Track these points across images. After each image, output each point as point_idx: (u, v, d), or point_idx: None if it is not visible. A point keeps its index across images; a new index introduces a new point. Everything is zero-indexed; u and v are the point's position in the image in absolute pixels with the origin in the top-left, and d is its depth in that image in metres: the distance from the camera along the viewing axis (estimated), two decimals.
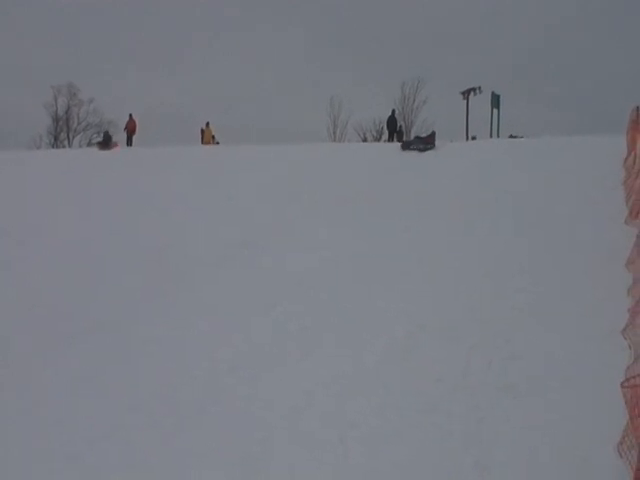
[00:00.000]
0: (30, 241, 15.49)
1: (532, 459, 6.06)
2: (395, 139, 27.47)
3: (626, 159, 14.77)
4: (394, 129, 27.88)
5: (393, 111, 28.97)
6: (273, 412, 7.51)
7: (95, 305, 11.64)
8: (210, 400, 7.90)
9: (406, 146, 21.54)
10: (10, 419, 8.01)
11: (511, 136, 27.34)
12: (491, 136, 28.43)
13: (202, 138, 28.71)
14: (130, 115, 29.12)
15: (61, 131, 47.54)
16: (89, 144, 26.77)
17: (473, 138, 29.01)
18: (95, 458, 6.92)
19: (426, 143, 21.14)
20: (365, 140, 42.26)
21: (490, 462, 6.07)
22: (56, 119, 47.14)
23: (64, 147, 42.51)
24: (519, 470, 5.97)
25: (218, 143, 28.46)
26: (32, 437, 7.54)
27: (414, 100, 44.88)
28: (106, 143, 27.27)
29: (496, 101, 29.78)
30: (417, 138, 22.76)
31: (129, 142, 28.67)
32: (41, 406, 8.25)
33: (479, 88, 32.19)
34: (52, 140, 46.27)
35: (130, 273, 12.96)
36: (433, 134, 22.09)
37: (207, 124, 28.98)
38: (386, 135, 30.11)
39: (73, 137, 47.29)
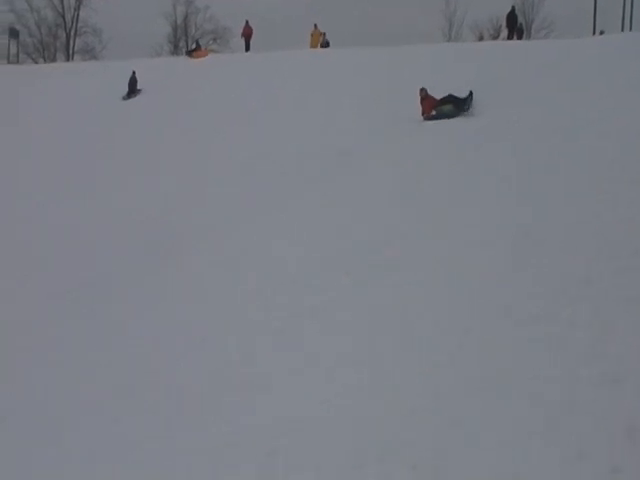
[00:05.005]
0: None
1: None
2: (515, 37, 26.34)
3: None
4: (514, 26, 26.73)
5: (513, 7, 27.67)
6: (363, 314, 7.97)
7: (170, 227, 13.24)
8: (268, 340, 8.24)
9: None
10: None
11: None
12: (622, 30, 26.63)
13: (311, 42, 28.51)
14: (246, 21, 29.57)
15: (180, 39, 48.66)
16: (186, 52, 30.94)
17: (601, 33, 27.31)
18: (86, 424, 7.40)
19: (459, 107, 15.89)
20: (482, 39, 40.43)
21: (619, 375, 5.46)
22: (175, 27, 48.22)
23: (182, 54, 43.59)
24: None
25: (329, 44, 28.08)
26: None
27: None
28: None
29: None
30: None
31: (247, 48, 29.23)
32: (41, 372, 9.10)
33: None
34: (172, 48, 47.48)
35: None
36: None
37: (315, 26, 28.63)
38: (504, 33, 28.85)
39: (191, 44, 48.30)
